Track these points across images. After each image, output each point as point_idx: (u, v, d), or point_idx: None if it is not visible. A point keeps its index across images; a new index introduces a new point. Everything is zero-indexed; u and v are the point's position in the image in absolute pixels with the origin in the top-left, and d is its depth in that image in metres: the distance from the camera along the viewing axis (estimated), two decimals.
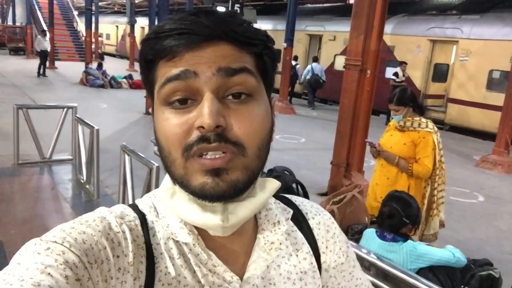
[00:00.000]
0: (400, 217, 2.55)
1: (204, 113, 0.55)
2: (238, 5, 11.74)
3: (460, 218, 5.46)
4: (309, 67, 14.44)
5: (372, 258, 2.20)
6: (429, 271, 2.42)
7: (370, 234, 2.66)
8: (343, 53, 12.27)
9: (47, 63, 17.23)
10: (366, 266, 2.25)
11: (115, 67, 18.90)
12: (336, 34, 14.64)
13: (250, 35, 0.59)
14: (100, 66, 16.02)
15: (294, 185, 3.49)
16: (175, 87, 0.57)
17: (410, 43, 12.52)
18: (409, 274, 2.06)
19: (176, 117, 0.57)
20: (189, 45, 0.56)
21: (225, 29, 0.57)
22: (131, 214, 0.64)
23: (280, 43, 12.97)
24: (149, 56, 0.59)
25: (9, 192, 5.18)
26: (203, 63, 0.56)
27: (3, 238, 3.82)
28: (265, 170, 3.74)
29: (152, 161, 3.65)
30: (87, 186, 5.34)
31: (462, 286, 2.52)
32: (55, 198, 5.21)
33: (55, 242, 0.53)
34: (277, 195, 0.77)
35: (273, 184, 0.66)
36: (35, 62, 18.12)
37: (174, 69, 0.56)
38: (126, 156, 4.27)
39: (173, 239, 0.63)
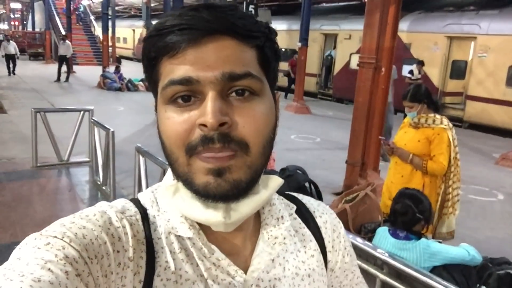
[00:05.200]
0: (413, 213, 2.52)
1: (207, 111, 0.54)
2: (253, 6, 11.75)
3: (479, 217, 5.35)
4: None
5: (385, 257, 2.17)
6: (444, 270, 2.38)
7: (383, 232, 2.63)
8: (358, 51, 12.18)
9: (64, 68, 17.34)
10: (379, 264, 2.22)
11: (132, 70, 19.09)
12: (352, 32, 14.54)
13: (251, 28, 0.59)
14: (117, 69, 16.22)
15: (307, 184, 3.47)
16: (178, 90, 0.57)
17: (427, 40, 12.35)
18: (422, 272, 2.03)
19: (178, 116, 0.57)
20: (191, 41, 0.55)
21: (226, 23, 0.56)
22: (132, 209, 0.64)
23: (295, 43, 12.94)
24: (152, 53, 0.59)
25: (28, 194, 5.27)
26: (206, 67, 0.55)
27: (22, 239, 3.88)
28: (278, 169, 3.72)
29: (166, 162, 3.66)
30: (104, 188, 5.40)
31: (478, 285, 2.47)
32: (73, 199, 5.28)
33: (55, 237, 0.53)
34: (282, 193, 0.76)
35: (276, 181, 0.66)
36: (53, 67, 18.42)
37: (177, 68, 0.56)
38: (141, 157, 4.31)
39: (174, 233, 0.63)
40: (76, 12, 27.36)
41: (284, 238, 0.67)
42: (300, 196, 0.80)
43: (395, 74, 8.25)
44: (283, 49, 16.70)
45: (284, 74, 15.27)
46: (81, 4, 27.94)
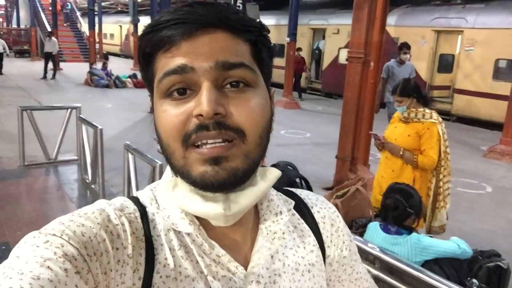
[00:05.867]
0: (404, 208, 2.53)
1: (203, 101, 0.55)
2: (241, 1, 11.69)
3: (468, 210, 5.40)
4: None
5: (376, 252, 2.18)
6: (435, 264, 2.39)
7: (374, 227, 2.63)
8: (347, 46, 12.19)
9: (50, 65, 17.12)
10: (371, 259, 2.22)
11: (119, 67, 18.94)
12: (340, 27, 14.56)
13: (244, 22, 0.60)
14: (104, 66, 16.06)
15: (298, 180, 3.47)
16: (173, 80, 0.57)
17: (415, 34, 12.39)
18: (414, 267, 2.03)
19: (174, 108, 0.57)
20: (185, 34, 0.56)
21: (220, 17, 0.57)
22: (131, 207, 0.64)
23: (283, 38, 12.92)
24: (147, 49, 0.60)
25: (16, 193, 5.21)
26: (200, 56, 0.56)
27: (10, 239, 3.84)
28: (268, 166, 3.71)
29: (155, 160, 3.64)
30: (93, 186, 5.36)
31: (469, 278, 2.49)
32: (61, 198, 5.23)
33: (54, 235, 0.53)
34: (280, 189, 0.77)
35: (274, 173, 0.66)
36: (40, 64, 18.20)
37: (171, 61, 0.57)
38: (130, 155, 4.27)
39: (174, 230, 0.63)
40: (64, 11, 26.96)
41: (283, 233, 0.68)
42: (298, 191, 0.81)
43: (413, 72, 7.46)
44: (272, 44, 16.62)
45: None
46: (69, 3, 27.55)
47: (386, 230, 2.56)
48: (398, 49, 7.30)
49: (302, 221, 0.75)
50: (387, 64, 7.27)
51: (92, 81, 15.39)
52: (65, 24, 26.23)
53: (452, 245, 2.45)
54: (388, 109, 7.29)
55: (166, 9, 0.59)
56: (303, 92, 14.79)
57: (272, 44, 0.66)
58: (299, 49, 14.39)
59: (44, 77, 16.65)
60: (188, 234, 0.63)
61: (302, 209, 0.77)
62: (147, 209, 0.65)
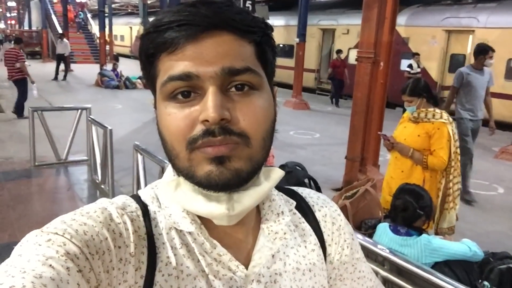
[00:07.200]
0: (414, 209, 2.50)
1: (209, 106, 0.55)
2: (250, 2, 11.70)
3: (479, 211, 5.34)
4: None
5: (385, 253, 2.15)
6: (445, 266, 2.36)
7: (383, 228, 2.61)
8: (357, 46, 12.11)
9: (62, 66, 17.25)
10: (380, 261, 2.20)
11: (129, 68, 19.03)
12: (350, 27, 14.49)
13: (249, 23, 0.59)
14: (114, 67, 16.16)
15: (306, 181, 3.46)
16: (177, 85, 0.57)
17: (425, 34, 12.30)
18: (424, 268, 2.00)
19: (179, 111, 0.57)
20: (190, 37, 0.56)
21: (224, 18, 0.57)
22: (133, 205, 0.64)
23: (293, 39, 12.91)
24: (150, 50, 0.59)
25: (26, 193, 5.25)
26: (205, 62, 0.56)
27: (20, 239, 3.86)
28: (277, 166, 3.70)
29: (164, 160, 3.65)
30: (102, 186, 5.38)
31: (480, 281, 2.45)
32: (71, 198, 5.26)
33: (56, 233, 0.53)
34: (282, 187, 0.77)
35: (277, 173, 0.66)
36: (51, 66, 18.36)
37: (176, 65, 0.57)
38: (139, 155, 4.28)
39: (175, 228, 0.63)
40: (76, 20, 27.13)
41: (285, 233, 0.68)
42: (300, 190, 0.81)
43: (491, 80, 6.03)
44: (282, 45, 16.64)
45: (328, 78, 13.90)
46: (82, 11, 27.70)
47: (395, 231, 2.54)
48: (477, 53, 5.75)
49: (304, 220, 0.75)
50: (461, 71, 5.84)
51: (103, 82, 15.50)
52: (77, 32, 26.38)
53: (463, 247, 2.42)
54: (458, 126, 5.62)
55: (168, 8, 0.59)
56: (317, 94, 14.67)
57: (275, 43, 0.66)
58: (339, 51, 13.52)
59: (55, 78, 16.79)
60: (190, 233, 0.63)
61: (304, 208, 0.77)
62: (148, 207, 0.65)
